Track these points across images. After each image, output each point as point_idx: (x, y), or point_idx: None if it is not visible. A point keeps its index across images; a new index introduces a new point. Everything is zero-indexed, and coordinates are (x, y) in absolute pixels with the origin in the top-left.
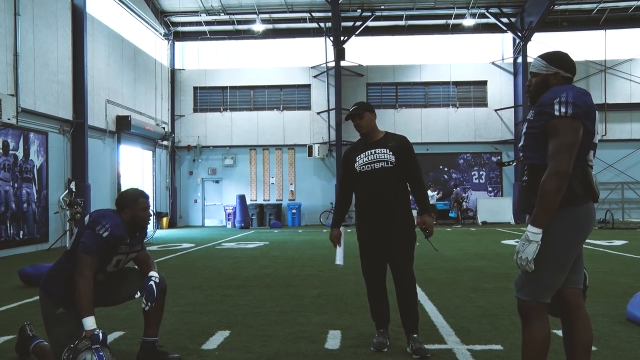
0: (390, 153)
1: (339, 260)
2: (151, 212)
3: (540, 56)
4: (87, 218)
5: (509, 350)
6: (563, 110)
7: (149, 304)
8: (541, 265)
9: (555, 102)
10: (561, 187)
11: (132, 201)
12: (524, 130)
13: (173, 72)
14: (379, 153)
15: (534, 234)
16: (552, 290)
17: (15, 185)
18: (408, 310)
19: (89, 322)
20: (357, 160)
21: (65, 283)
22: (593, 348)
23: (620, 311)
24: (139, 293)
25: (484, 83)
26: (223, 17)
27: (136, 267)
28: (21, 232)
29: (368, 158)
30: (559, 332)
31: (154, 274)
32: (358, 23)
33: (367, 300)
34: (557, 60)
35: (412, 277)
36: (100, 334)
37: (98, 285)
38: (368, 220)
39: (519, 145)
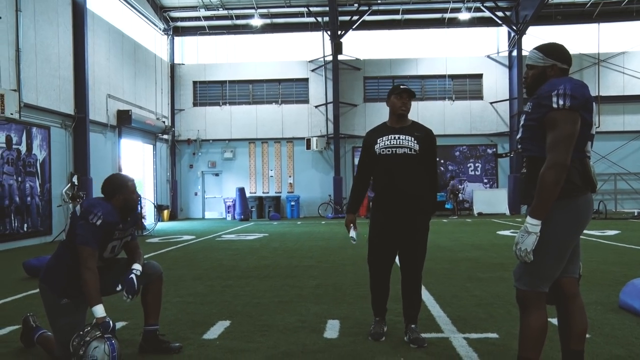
0: (415, 142)
1: (353, 234)
2: (139, 194)
3: (536, 48)
4: (77, 209)
5: (505, 338)
6: (561, 102)
7: (130, 296)
8: (540, 256)
9: (553, 94)
10: (560, 179)
11: (123, 186)
12: (521, 123)
13: (173, 66)
14: (403, 139)
15: (533, 226)
16: (551, 280)
17: (19, 179)
18: (412, 301)
19: (99, 310)
20: (378, 142)
21: (68, 272)
22: (587, 335)
23: (613, 299)
24: (120, 286)
25: (480, 76)
26: (222, 12)
27: (125, 258)
28: (25, 225)
29: (390, 142)
30: (554, 320)
31: (136, 266)
32: (355, 17)
33: (367, 290)
34: (554, 52)
35: (421, 271)
36: (111, 322)
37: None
38: (386, 207)
39: (517, 137)
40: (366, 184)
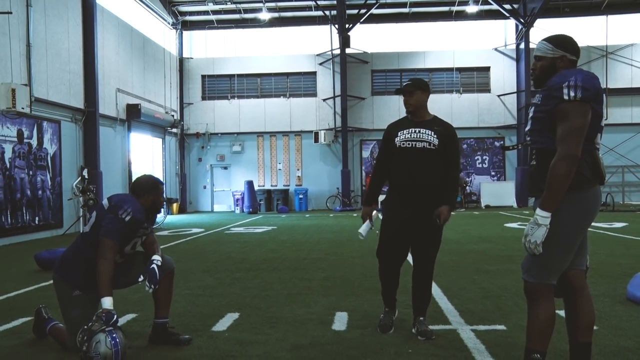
0: (435, 136)
1: (363, 231)
2: (164, 198)
3: (545, 39)
4: (105, 202)
5: (512, 330)
6: (572, 94)
7: (152, 286)
8: (549, 248)
9: (564, 86)
10: (571, 171)
11: (154, 187)
12: (530, 115)
13: (181, 60)
14: (423, 133)
15: (543, 218)
16: (559, 272)
17: (30, 172)
18: (423, 294)
19: (107, 302)
20: (399, 135)
21: (86, 265)
22: (594, 327)
23: (621, 291)
24: (142, 276)
25: (487, 69)
26: (230, 6)
27: (142, 250)
28: (37, 218)
29: (411, 135)
30: (562, 312)
31: (156, 257)
32: (363, 10)
33: (375, 282)
34: (563, 43)
35: (433, 264)
36: (115, 315)
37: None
38: (401, 200)
39: (526, 129)
40: (385, 176)
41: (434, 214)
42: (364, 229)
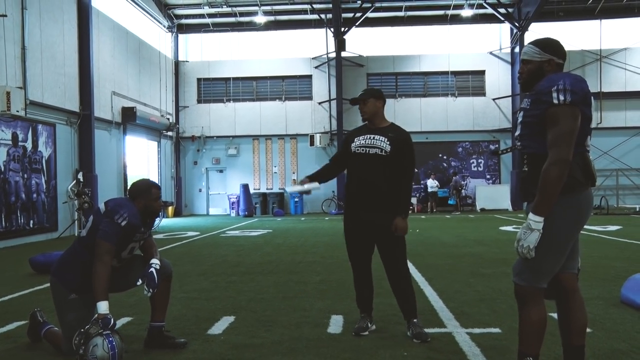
0: (387, 142)
1: (289, 188)
2: (161, 202)
3: (532, 43)
4: (102, 206)
5: (507, 333)
6: (562, 98)
7: (151, 290)
8: (541, 252)
9: (553, 90)
10: (563, 175)
11: (146, 191)
12: (520, 120)
13: (177, 64)
14: (376, 140)
15: (535, 222)
16: (550, 275)
17: (25, 175)
18: (403, 295)
19: (103, 306)
20: (355, 140)
21: (82, 269)
22: (588, 330)
23: (615, 294)
24: (140, 280)
25: (482, 73)
26: (225, 9)
27: (141, 254)
28: (31, 222)
29: (365, 141)
30: (554, 315)
31: (155, 260)
32: (358, 14)
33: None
34: (551, 46)
35: (404, 265)
36: (112, 320)
37: (111, 271)
38: (355, 204)
39: (516, 134)
40: (332, 171)
41: (391, 228)
42: (291, 188)
